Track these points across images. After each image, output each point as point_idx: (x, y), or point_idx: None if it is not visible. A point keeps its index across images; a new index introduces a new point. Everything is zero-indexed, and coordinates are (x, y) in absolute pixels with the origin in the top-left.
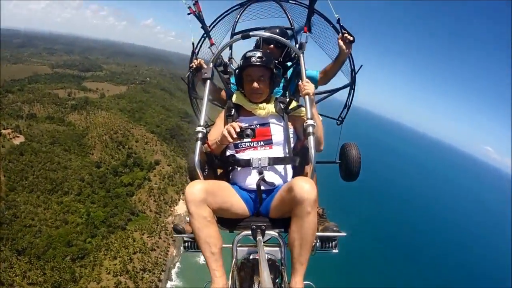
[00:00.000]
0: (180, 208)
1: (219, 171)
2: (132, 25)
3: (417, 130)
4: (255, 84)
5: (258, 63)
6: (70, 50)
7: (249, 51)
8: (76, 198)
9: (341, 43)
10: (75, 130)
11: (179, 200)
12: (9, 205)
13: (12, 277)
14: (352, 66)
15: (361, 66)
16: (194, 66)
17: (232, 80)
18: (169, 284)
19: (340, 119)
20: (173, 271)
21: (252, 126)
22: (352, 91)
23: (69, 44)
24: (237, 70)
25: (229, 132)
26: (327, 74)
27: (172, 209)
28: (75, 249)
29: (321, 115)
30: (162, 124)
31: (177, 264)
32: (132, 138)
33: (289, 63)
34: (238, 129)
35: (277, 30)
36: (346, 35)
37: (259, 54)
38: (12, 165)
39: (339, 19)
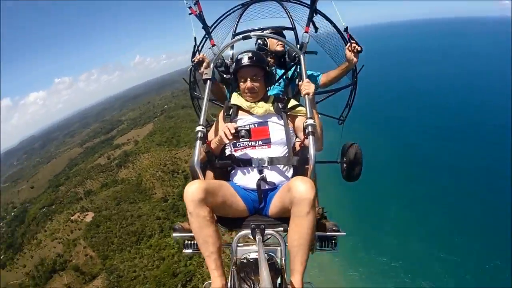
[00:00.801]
0: None
1: (220, 170)
2: (124, 71)
3: (428, 18)
4: (249, 84)
5: (249, 63)
6: (86, 123)
7: (240, 53)
8: (160, 235)
9: (349, 53)
10: (130, 182)
11: None
12: (110, 271)
13: None
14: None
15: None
16: (196, 60)
17: None
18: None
19: (341, 118)
20: None
21: (247, 127)
22: (354, 90)
23: (82, 119)
24: (231, 75)
25: (225, 133)
26: (330, 80)
27: None
28: (182, 276)
29: (322, 114)
30: None
31: None
32: (180, 162)
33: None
34: (233, 130)
35: (268, 31)
36: (354, 45)
37: (249, 54)
38: (95, 239)
39: (347, 27)
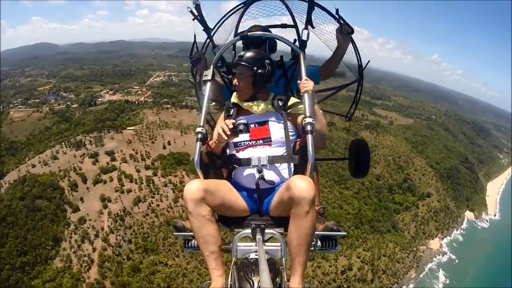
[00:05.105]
0: (434, 244)
1: (222, 171)
2: (417, 60)
3: None
4: (235, 81)
5: (238, 61)
6: None
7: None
8: (354, 194)
9: (339, 35)
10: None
11: (436, 236)
12: None
13: None
14: (359, 62)
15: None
16: (195, 58)
17: None
18: None
19: (348, 115)
20: None
21: (245, 121)
22: (360, 87)
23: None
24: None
25: (223, 130)
26: (328, 69)
27: (427, 241)
28: (342, 229)
29: (329, 112)
30: (441, 162)
31: (410, 285)
32: (411, 166)
33: (290, 62)
34: (231, 126)
35: (257, 29)
36: (344, 26)
37: (243, 53)
38: None
39: (337, 9)
